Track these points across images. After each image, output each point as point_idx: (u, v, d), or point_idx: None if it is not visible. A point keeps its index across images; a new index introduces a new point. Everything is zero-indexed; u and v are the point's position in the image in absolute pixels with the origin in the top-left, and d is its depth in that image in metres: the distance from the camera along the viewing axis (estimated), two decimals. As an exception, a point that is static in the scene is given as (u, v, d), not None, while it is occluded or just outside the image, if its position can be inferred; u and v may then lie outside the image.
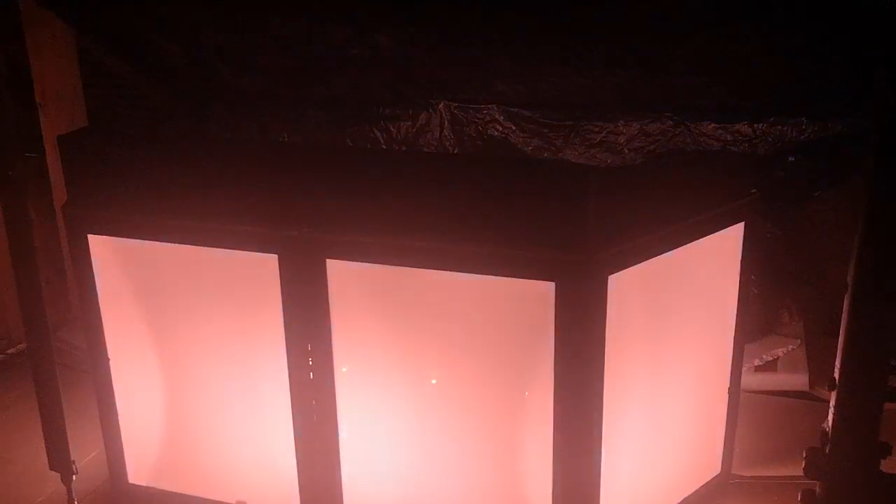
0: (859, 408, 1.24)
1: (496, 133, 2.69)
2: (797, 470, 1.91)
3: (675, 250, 1.52)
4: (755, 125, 2.49)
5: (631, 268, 1.44)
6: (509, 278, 1.42)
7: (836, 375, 1.28)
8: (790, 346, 2.32)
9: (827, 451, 1.30)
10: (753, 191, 1.67)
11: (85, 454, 1.98)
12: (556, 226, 1.38)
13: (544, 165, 1.95)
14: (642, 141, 2.58)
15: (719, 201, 1.61)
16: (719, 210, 1.60)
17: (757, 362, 2.28)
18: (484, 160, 2.12)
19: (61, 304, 2.62)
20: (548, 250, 1.38)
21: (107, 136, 1.91)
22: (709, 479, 1.82)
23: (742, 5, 2.10)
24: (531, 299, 1.41)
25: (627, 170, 2.11)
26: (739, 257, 1.68)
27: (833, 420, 1.28)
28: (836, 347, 2.36)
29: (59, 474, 1.76)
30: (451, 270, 1.45)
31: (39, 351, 1.67)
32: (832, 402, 1.29)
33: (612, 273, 1.41)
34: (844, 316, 1.26)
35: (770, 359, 2.29)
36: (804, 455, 1.32)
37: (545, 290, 1.39)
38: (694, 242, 1.56)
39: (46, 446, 1.72)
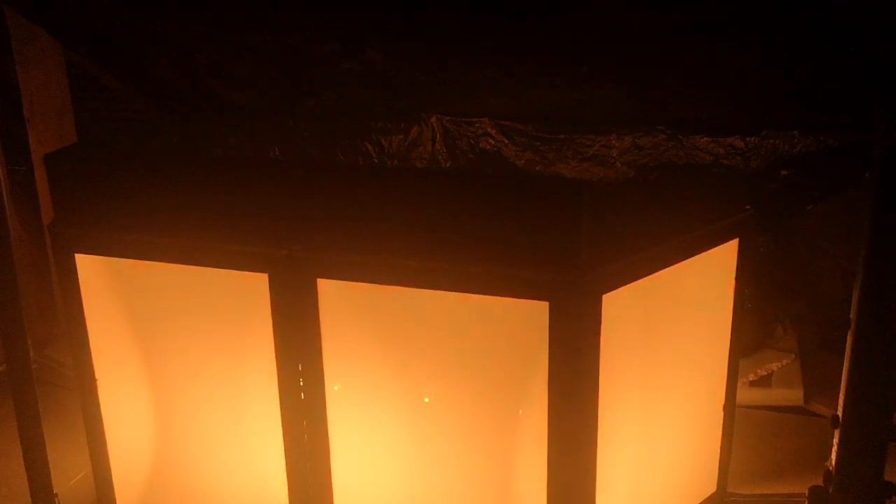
0: (864, 446, 1.22)
1: (488, 147, 2.68)
2: (793, 487, 1.91)
3: (669, 268, 1.51)
4: (747, 138, 2.48)
5: (625, 286, 1.43)
6: (502, 297, 1.40)
7: (840, 413, 1.26)
8: (784, 361, 2.31)
9: (830, 490, 1.28)
10: (747, 207, 1.66)
11: (72, 475, 1.95)
12: (550, 244, 1.37)
13: (537, 182, 1.94)
14: (635, 154, 2.57)
15: (713, 218, 1.60)
16: (713, 227, 1.59)
17: (751, 377, 2.27)
18: (477, 178, 2.11)
19: (48, 321, 2.59)
20: (541, 269, 1.37)
21: (94, 154, 1.89)
22: (705, 497, 1.80)
23: (736, 19, 2.10)
24: (525, 318, 1.40)
25: (621, 187, 2.10)
26: (734, 274, 1.67)
27: (837, 459, 1.27)
28: (831, 361, 2.35)
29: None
30: (443, 289, 1.44)
31: (20, 378, 1.63)
32: (835, 441, 1.27)
33: (606, 292, 1.39)
34: (847, 352, 1.25)
35: (764, 373, 2.28)
36: (807, 495, 1.31)
37: (539, 310, 1.38)
38: (688, 260, 1.55)
39: (28, 480, 1.69)
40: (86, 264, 1.65)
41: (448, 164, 2.70)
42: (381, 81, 2.54)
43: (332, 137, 2.77)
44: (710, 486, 1.81)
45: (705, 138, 2.50)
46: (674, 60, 2.24)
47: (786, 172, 2.48)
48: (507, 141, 2.67)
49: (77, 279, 1.65)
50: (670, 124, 2.52)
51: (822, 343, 2.43)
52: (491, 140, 2.67)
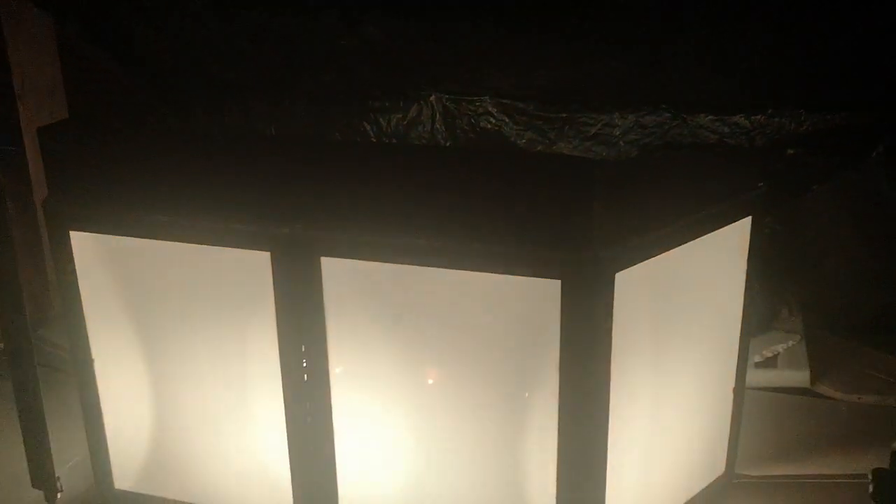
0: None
1: (489, 125, 2.64)
2: (800, 469, 1.90)
3: (681, 246, 1.48)
4: (753, 117, 2.45)
5: (638, 265, 1.40)
6: (513, 276, 1.37)
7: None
8: (790, 343, 2.30)
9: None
10: (761, 184, 1.63)
11: (69, 458, 1.92)
12: (562, 222, 1.33)
13: (548, 160, 1.91)
14: (638, 133, 2.54)
15: (726, 196, 1.57)
16: (726, 205, 1.56)
17: (757, 359, 2.25)
18: (487, 155, 2.07)
19: (42, 302, 2.56)
20: (554, 247, 1.34)
21: (89, 129, 1.84)
22: (713, 478, 1.78)
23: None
24: (536, 297, 1.36)
25: (633, 164, 2.07)
26: (746, 253, 1.65)
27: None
28: (837, 343, 2.32)
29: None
30: (450, 268, 1.40)
31: (20, 359, 1.60)
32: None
33: (619, 270, 1.36)
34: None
35: (770, 355, 2.27)
36: (870, 477, 1.26)
37: (551, 288, 1.34)
38: (700, 238, 1.52)
39: (28, 463, 1.66)
40: (81, 242, 1.61)
41: (448, 144, 2.66)
42: (380, 59, 2.49)
43: (330, 116, 2.73)
44: (719, 468, 1.79)
45: (710, 117, 2.47)
46: (678, 38, 2.21)
47: (792, 152, 2.45)
48: (507, 120, 2.63)
49: (72, 257, 1.61)
50: (674, 103, 2.49)
51: (827, 324, 2.41)
52: (491, 119, 2.63)
